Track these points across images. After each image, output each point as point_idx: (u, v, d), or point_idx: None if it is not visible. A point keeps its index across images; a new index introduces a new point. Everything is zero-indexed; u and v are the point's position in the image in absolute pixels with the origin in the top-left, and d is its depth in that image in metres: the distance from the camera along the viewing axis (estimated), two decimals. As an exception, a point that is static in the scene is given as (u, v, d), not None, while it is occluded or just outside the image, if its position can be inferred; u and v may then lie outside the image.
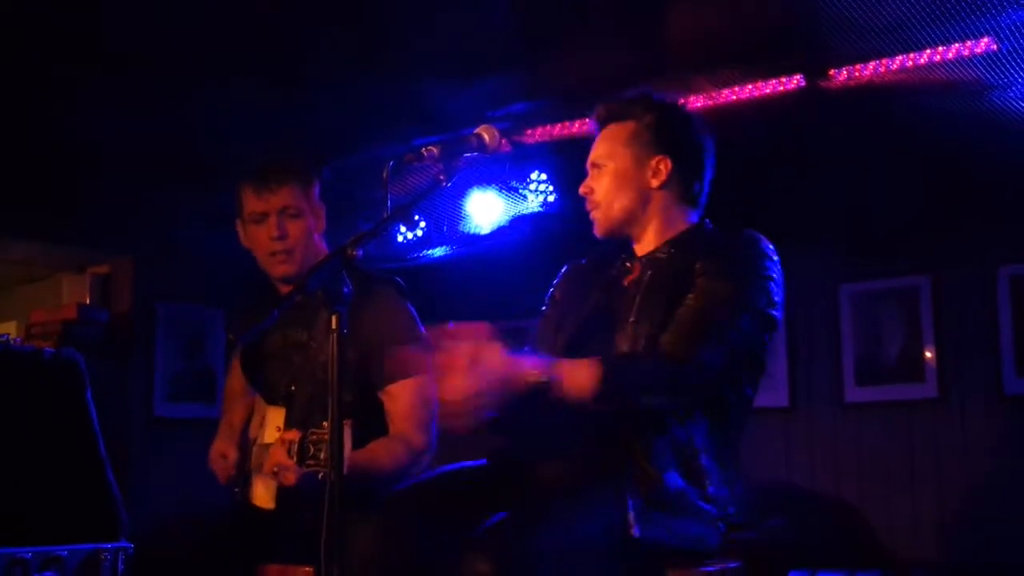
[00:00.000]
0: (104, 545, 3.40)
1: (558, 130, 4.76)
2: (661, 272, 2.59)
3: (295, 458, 2.55)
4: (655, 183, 2.67)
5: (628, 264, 2.73)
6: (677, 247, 2.64)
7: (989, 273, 5.56)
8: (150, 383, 6.11)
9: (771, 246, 2.58)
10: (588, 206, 2.74)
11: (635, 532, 2.33)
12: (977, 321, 5.59)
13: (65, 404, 3.55)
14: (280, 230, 3.17)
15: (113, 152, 4.85)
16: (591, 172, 2.75)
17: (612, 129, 2.74)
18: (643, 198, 2.68)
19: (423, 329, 3.15)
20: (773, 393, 6.01)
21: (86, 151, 4.84)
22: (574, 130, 4.68)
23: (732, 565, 2.47)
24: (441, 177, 2.37)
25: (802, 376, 6.05)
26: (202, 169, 5.08)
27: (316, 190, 3.25)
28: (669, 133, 2.70)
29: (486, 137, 2.46)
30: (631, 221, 2.70)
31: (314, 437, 2.41)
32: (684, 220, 2.72)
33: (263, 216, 3.19)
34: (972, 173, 5.02)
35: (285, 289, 3.23)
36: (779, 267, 2.57)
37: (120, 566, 3.42)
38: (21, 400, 3.47)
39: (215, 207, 5.47)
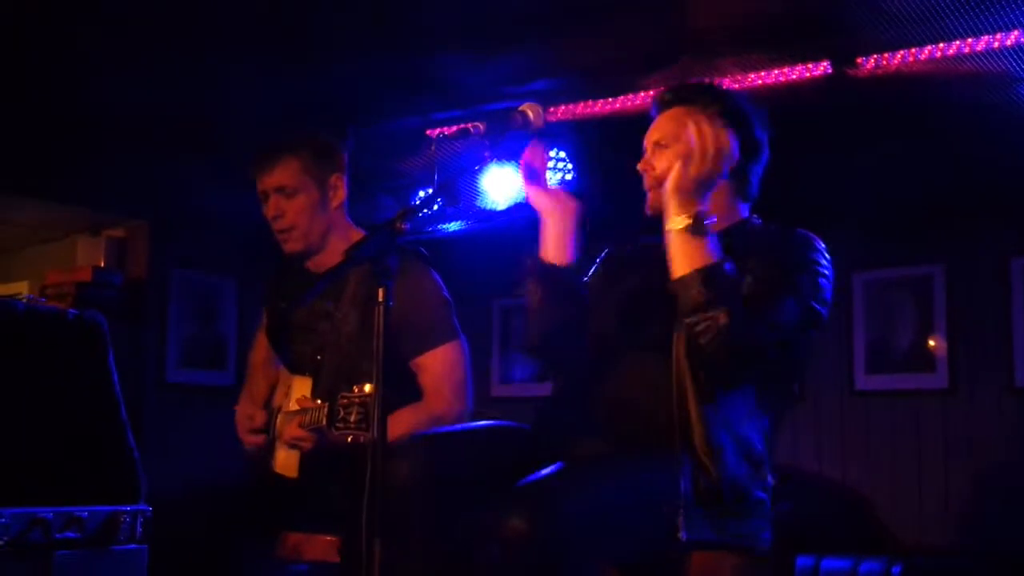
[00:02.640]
0: (123, 507, 3.40)
1: (581, 109, 4.75)
2: None
3: (325, 421, 2.57)
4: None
5: None
6: (730, 239, 2.60)
7: (1003, 264, 5.57)
8: (163, 348, 6.12)
9: (823, 244, 2.59)
10: (647, 183, 2.71)
11: (682, 536, 2.33)
12: (990, 312, 5.60)
13: (88, 365, 3.53)
14: (276, 210, 3.17)
15: (131, 116, 4.85)
16: (653, 150, 2.72)
17: (678, 111, 2.71)
18: None
19: (449, 296, 3.16)
20: (783, 378, 6.01)
21: (106, 114, 4.83)
22: (597, 109, 4.66)
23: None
24: (487, 153, 2.38)
25: (812, 362, 6.03)
26: (219, 136, 5.07)
27: (325, 162, 3.21)
28: (735, 124, 2.69)
29: (531, 115, 2.46)
30: None
31: (344, 400, 2.42)
32: (737, 213, 2.72)
33: (264, 196, 3.20)
34: (992, 165, 5.02)
35: (311, 261, 3.23)
36: (831, 267, 2.58)
37: (138, 529, 3.42)
38: (45, 359, 3.46)
39: (231, 175, 5.48)
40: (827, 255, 2.59)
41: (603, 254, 2.93)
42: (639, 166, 2.74)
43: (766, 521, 2.51)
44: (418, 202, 2.29)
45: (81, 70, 4.37)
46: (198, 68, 4.36)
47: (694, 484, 2.36)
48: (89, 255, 6.17)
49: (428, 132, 5.03)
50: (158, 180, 5.66)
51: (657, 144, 2.72)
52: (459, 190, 2.33)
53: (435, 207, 2.34)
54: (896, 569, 4.98)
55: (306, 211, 3.17)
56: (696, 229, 2.41)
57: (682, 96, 2.75)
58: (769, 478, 2.52)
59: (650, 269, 2.67)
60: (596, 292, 2.78)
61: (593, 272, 2.88)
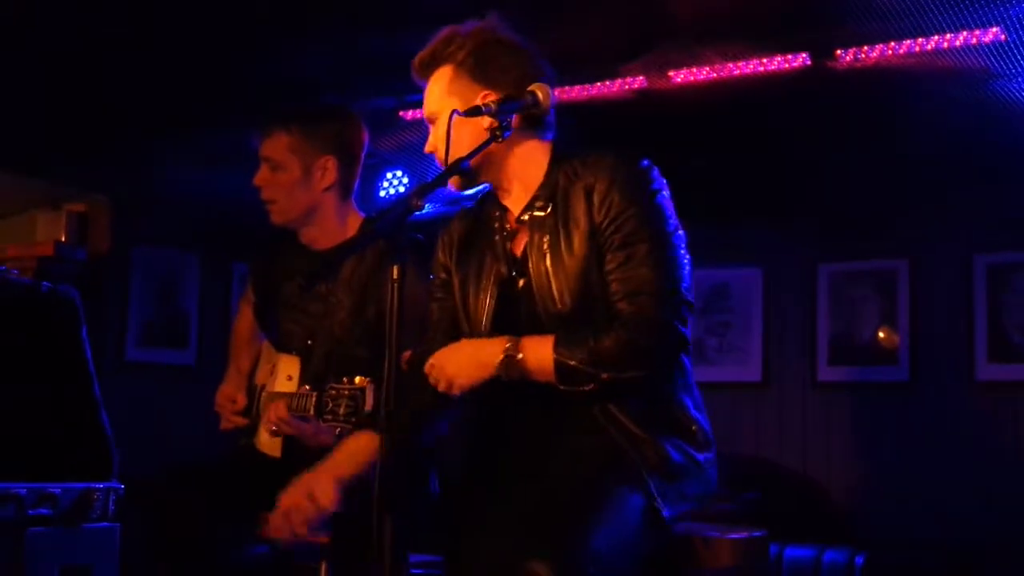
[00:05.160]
0: (96, 484, 3.35)
1: (557, 95, 4.69)
2: (554, 235, 2.44)
3: (313, 411, 2.54)
4: (487, 123, 2.43)
5: (507, 225, 2.56)
6: (551, 196, 2.48)
7: (966, 260, 5.64)
8: (123, 326, 6.03)
9: (646, 160, 2.46)
10: (441, 165, 2.53)
11: (665, 513, 2.30)
12: (952, 307, 5.67)
13: (61, 340, 3.48)
14: (261, 180, 3.15)
15: (95, 90, 4.77)
16: (431, 129, 2.59)
17: (433, 79, 2.57)
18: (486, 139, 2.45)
19: None
20: (746, 368, 6.08)
21: (68, 88, 4.75)
22: (574, 96, 4.64)
23: (757, 535, 2.49)
24: (497, 132, 2.35)
25: (775, 353, 6.11)
26: (185, 112, 5.01)
27: (315, 143, 3.16)
28: (486, 65, 2.53)
29: (540, 95, 2.44)
30: (486, 169, 2.54)
31: (333, 392, 2.40)
32: (542, 150, 2.55)
33: (260, 161, 3.18)
34: (962, 160, 5.08)
35: (306, 236, 3.20)
36: (660, 176, 2.47)
37: (111, 506, 3.37)
38: (17, 334, 3.40)
39: (195, 151, 5.42)
40: (653, 169, 2.46)
41: (442, 236, 2.76)
42: (426, 149, 2.63)
43: (711, 479, 2.46)
44: (435, 179, 2.25)
45: (45, 44, 4.28)
46: (164, 44, 4.29)
47: (651, 462, 2.33)
48: (49, 230, 6.06)
49: (401, 113, 4.99)
50: (121, 155, 5.58)
51: (430, 121, 2.59)
52: (469, 167, 2.28)
53: (466, 186, 2.33)
54: (859, 559, 5.03)
55: (284, 188, 3.14)
56: (509, 367, 2.34)
57: (430, 60, 2.58)
58: (700, 432, 2.45)
59: (494, 260, 2.56)
60: (463, 293, 2.62)
61: (439, 260, 2.72)
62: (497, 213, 2.60)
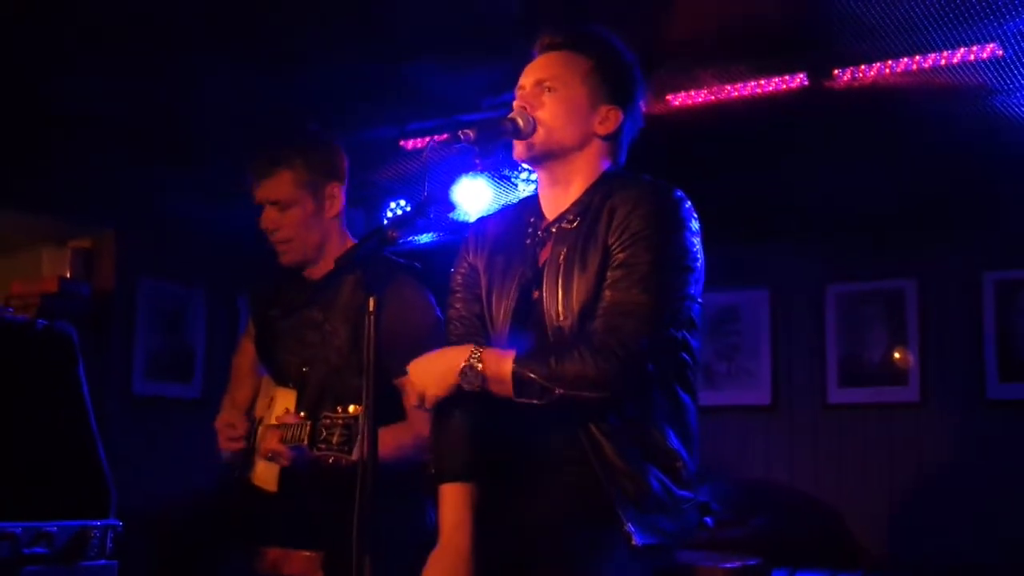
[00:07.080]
0: (93, 522, 3.34)
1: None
2: (572, 250, 2.43)
3: (307, 440, 2.52)
4: (601, 131, 2.50)
5: (540, 233, 2.54)
6: (583, 212, 2.47)
7: (975, 278, 5.61)
8: (129, 360, 6.02)
9: (680, 192, 2.44)
10: (525, 125, 2.47)
11: (637, 541, 2.26)
12: (961, 326, 5.64)
13: (57, 377, 3.49)
14: (271, 222, 3.13)
15: (98, 124, 4.78)
16: (533, 90, 2.51)
17: (568, 56, 2.52)
18: (583, 140, 2.50)
19: (441, 317, 3.11)
20: (755, 391, 6.04)
21: (71, 122, 4.76)
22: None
23: (752, 563, 2.45)
24: (477, 160, 2.34)
25: (785, 375, 6.07)
26: (188, 144, 5.01)
27: (321, 172, 3.15)
28: (624, 85, 2.54)
29: (521, 122, 2.42)
30: (563, 157, 2.51)
31: (327, 421, 2.38)
32: (599, 171, 2.54)
33: (260, 205, 3.15)
34: (965, 177, 5.04)
35: (307, 270, 3.19)
36: (692, 212, 2.43)
37: (109, 544, 3.36)
38: (13, 371, 3.40)
39: (200, 183, 5.42)
40: (687, 203, 2.43)
41: (473, 231, 2.73)
42: (516, 105, 2.51)
43: (690, 519, 2.41)
44: (411, 210, 2.23)
45: (48, 77, 4.30)
46: (167, 74, 4.31)
47: (628, 495, 2.29)
48: (55, 266, 6.07)
49: (402, 143, 4.99)
50: (125, 188, 5.59)
51: (540, 83, 2.51)
52: (450, 198, 2.26)
53: (429, 215, 2.30)
54: (871, 583, 4.99)
55: (301, 224, 3.12)
56: (469, 376, 2.31)
57: (573, 41, 2.54)
58: (684, 471, 2.39)
59: (526, 267, 2.53)
60: (488, 292, 2.59)
61: (471, 258, 2.67)
62: (532, 219, 2.58)
